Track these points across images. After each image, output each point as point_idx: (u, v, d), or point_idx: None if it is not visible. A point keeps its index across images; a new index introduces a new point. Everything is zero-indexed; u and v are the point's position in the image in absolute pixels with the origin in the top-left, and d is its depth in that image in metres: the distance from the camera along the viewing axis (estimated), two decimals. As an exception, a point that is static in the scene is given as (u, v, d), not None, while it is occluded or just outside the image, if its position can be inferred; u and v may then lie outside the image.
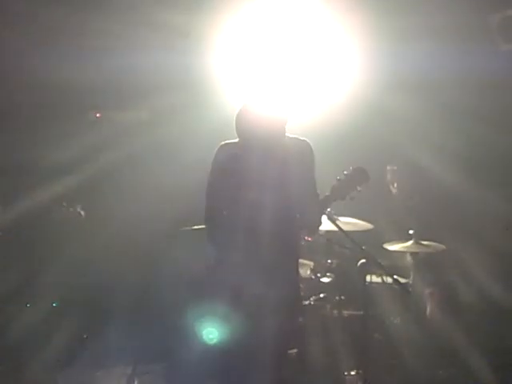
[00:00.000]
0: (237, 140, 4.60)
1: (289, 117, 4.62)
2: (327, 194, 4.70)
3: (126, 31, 6.26)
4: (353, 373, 5.59)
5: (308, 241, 5.92)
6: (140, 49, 6.38)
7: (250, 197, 4.49)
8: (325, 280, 5.84)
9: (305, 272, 5.90)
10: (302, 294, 5.70)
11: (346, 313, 5.74)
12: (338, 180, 4.75)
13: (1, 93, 6.51)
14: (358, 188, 4.74)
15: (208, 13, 6.19)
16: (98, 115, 7.05)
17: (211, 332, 4.44)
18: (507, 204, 6.25)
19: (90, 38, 6.42)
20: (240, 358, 4.46)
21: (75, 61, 6.42)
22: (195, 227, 5.53)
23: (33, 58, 6.46)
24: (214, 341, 4.43)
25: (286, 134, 4.62)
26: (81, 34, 6.40)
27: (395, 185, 6.56)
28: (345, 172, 4.78)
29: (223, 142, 4.66)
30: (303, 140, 4.64)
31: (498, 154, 6.41)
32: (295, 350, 5.61)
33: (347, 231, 4.96)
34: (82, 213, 6.72)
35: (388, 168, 6.63)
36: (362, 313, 5.13)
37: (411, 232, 5.83)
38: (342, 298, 5.74)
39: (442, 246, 5.88)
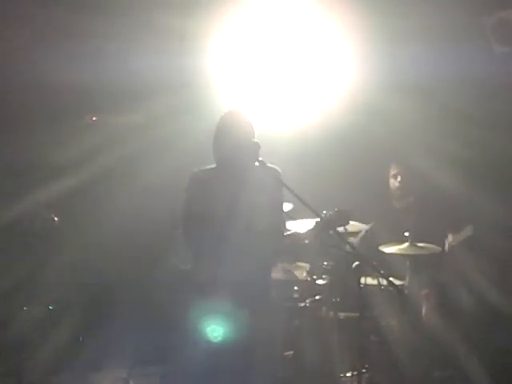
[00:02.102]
0: (211, 166, 4.65)
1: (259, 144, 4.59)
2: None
3: (121, 34, 6.27)
4: (349, 374, 5.59)
5: (304, 243, 5.91)
6: (136, 51, 6.38)
7: (217, 228, 4.50)
8: (320, 282, 5.83)
9: (300, 274, 5.90)
10: (296, 296, 5.77)
11: (341, 315, 5.73)
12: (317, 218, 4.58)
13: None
14: (331, 231, 4.56)
15: (203, 15, 6.20)
16: (94, 119, 7.03)
17: (215, 330, 4.43)
18: (503, 206, 6.25)
19: (85, 41, 6.42)
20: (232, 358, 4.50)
21: (70, 63, 6.41)
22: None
23: (28, 60, 6.45)
24: (219, 339, 4.44)
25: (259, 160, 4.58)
26: (76, 36, 6.39)
27: (398, 178, 6.27)
28: (324, 212, 4.65)
29: (196, 170, 4.69)
30: (275, 168, 4.66)
31: (494, 156, 6.42)
32: (291, 352, 5.62)
33: (343, 234, 4.95)
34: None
35: (393, 166, 6.34)
36: (357, 315, 5.12)
37: (407, 234, 5.83)
38: (338, 299, 5.74)
39: (438, 248, 5.88)
